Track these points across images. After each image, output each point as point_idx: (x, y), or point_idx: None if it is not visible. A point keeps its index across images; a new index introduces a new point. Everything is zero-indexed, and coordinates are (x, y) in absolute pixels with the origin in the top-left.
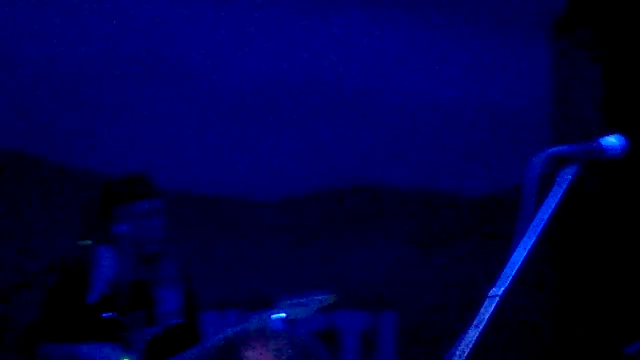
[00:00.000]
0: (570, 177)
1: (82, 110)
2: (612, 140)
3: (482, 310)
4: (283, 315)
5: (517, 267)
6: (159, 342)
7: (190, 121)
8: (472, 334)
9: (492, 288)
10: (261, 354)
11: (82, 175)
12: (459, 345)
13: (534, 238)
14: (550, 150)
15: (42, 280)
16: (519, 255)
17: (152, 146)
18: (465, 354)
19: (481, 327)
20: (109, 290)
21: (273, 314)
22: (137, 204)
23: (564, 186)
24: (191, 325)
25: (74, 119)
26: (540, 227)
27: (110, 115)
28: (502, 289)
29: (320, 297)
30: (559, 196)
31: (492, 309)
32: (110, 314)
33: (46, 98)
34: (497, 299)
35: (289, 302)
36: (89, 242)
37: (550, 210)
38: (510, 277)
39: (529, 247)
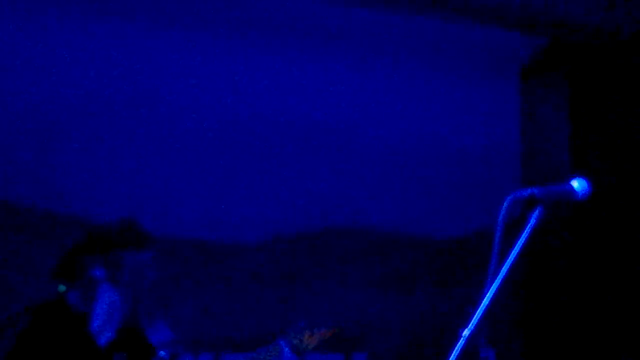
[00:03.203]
0: (537, 218)
1: (58, 153)
2: (577, 183)
3: (455, 350)
4: None
5: (487, 307)
6: None
7: (173, 163)
8: None
9: (464, 328)
10: None
11: (64, 220)
12: None
13: (504, 278)
14: (518, 192)
15: (16, 322)
16: (490, 296)
17: (135, 189)
18: None
19: None
20: (116, 331)
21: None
22: (138, 253)
23: (531, 227)
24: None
25: (52, 164)
26: (509, 267)
27: (89, 157)
28: (473, 328)
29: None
30: (526, 237)
31: (463, 348)
32: (122, 354)
33: (26, 143)
34: (469, 339)
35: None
36: (64, 287)
37: (518, 251)
38: (481, 317)
39: (499, 287)
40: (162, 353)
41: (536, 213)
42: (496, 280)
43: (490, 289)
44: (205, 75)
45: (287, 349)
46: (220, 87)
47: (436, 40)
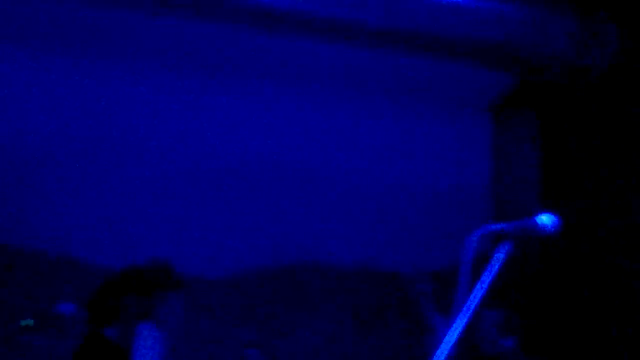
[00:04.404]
0: (504, 253)
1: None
2: (544, 219)
3: None
4: None
5: (453, 342)
6: None
7: (136, 199)
8: None
9: None
10: None
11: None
12: None
13: (469, 314)
14: (486, 227)
15: None
16: (455, 331)
17: (96, 224)
18: None
19: None
20: None
21: None
22: (176, 294)
23: (499, 262)
24: None
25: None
26: (475, 302)
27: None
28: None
29: None
30: (494, 272)
31: None
32: None
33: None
34: None
35: None
36: (31, 322)
37: (485, 286)
38: (447, 352)
39: (465, 323)
40: None
41: (505, 248)
42: (463, 314)
43: (457, 323)
44: (176, 116)
45: None
46: (191, 128)
47: (406, 80)
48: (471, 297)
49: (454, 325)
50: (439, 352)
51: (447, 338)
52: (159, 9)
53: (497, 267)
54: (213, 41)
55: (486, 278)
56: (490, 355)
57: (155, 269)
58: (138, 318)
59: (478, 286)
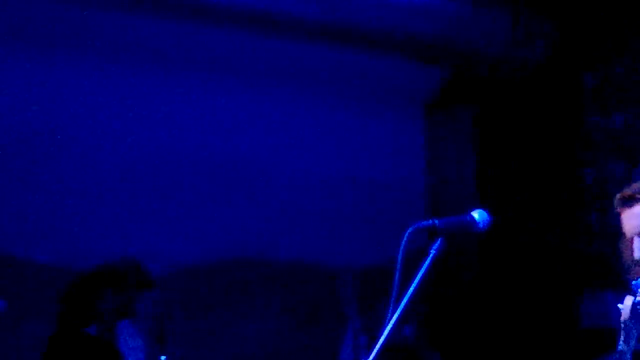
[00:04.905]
0: (437, 249)
1: None
2: (477, 215)
3: None
4: None
5: (385, 338)
6: None
7: (85, 194)
8: None
9: (366, 358)
10: None
11: None
12: None
13: (402, 310)
14: (419, 224)
15: None
16: (389, 327)
17: (35, 220)
18: None
19: None
20: None
21: None
22: (150, 293)
23: (432, 258)
24: None
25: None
26: (409, 298)
27: None
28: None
29: None
30: (427, 267)
31: None
32: None
33: None
34: None
35: None
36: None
37: (418, 281)
38: (380, 348)
39: (397, 319)
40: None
41: (437, 244)
42: (397, 311)
43: (391, 319)
44: (117, 109)
45: None
46: (130, 121)
47: (342, 74)
48: (405, 294)
49: (387, 323)
50: (373, 349)
51: (380, 336)
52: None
53: (429, 263)
54: (151, 34)
55: (418, 275)
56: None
57: (128, 266)
58: (116, 316)
59: (411, 283)
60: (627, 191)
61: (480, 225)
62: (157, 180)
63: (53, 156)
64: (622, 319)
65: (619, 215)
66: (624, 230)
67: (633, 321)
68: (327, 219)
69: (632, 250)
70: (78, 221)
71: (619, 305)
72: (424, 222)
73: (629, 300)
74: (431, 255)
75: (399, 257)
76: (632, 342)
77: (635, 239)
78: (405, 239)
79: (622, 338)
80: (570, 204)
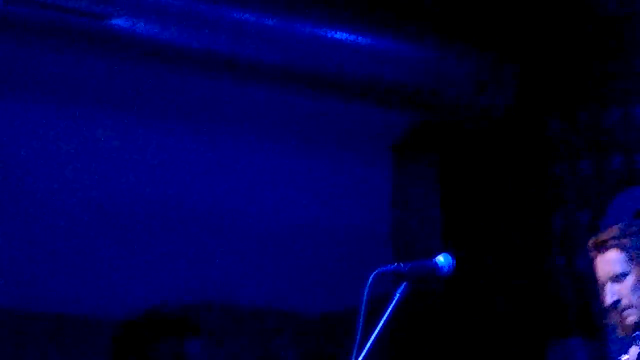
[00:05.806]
0: (401, 294)
1: None
2: (442, 259)
3: None
4: None
5: None
6: None
7: (40, 239)
8: None
9: None
10: None
11: None
12: None
13: (365, 355)
14: (383, 269)
15: None
16: None
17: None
18: None
19: None
20: None
21: None
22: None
23: (396, 302)
24: None
25: None
26: (371, 343)
27: None
28: None
29: None
30: (389, 312)
31: None
32: None
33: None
34: None
35: None
36: None
37: (381, 327)
38: None
39: None
40: None
41: (401, 288)
42: (360, 356)
43: None
44: (76, 154)
45: None
46: (93, 165)
47: (307, 119)
48: (368, 339)
49: None
50: None
51: None
52: None
53: (393, 308)
54: (105, 78)
55: (382, 320)
56: None
57: (178, 313)
58: None
59: (375, 328)
60: (601, 236)
61: (445, 270)
62: (119, 225)
63: (15, 200)
64: None
65: (592, 260)
66: (597, 276)
67: None
68: (292, 265)
69: (605, 296)
70: (37, 265)
71: (623, 357)
72: (389, 266)
73: (634, 351)
74: (395, 299)
75: (363, 301)
76: None
77: (608, 285)
78: (369, 282)
79: None
80: (536, 249)
